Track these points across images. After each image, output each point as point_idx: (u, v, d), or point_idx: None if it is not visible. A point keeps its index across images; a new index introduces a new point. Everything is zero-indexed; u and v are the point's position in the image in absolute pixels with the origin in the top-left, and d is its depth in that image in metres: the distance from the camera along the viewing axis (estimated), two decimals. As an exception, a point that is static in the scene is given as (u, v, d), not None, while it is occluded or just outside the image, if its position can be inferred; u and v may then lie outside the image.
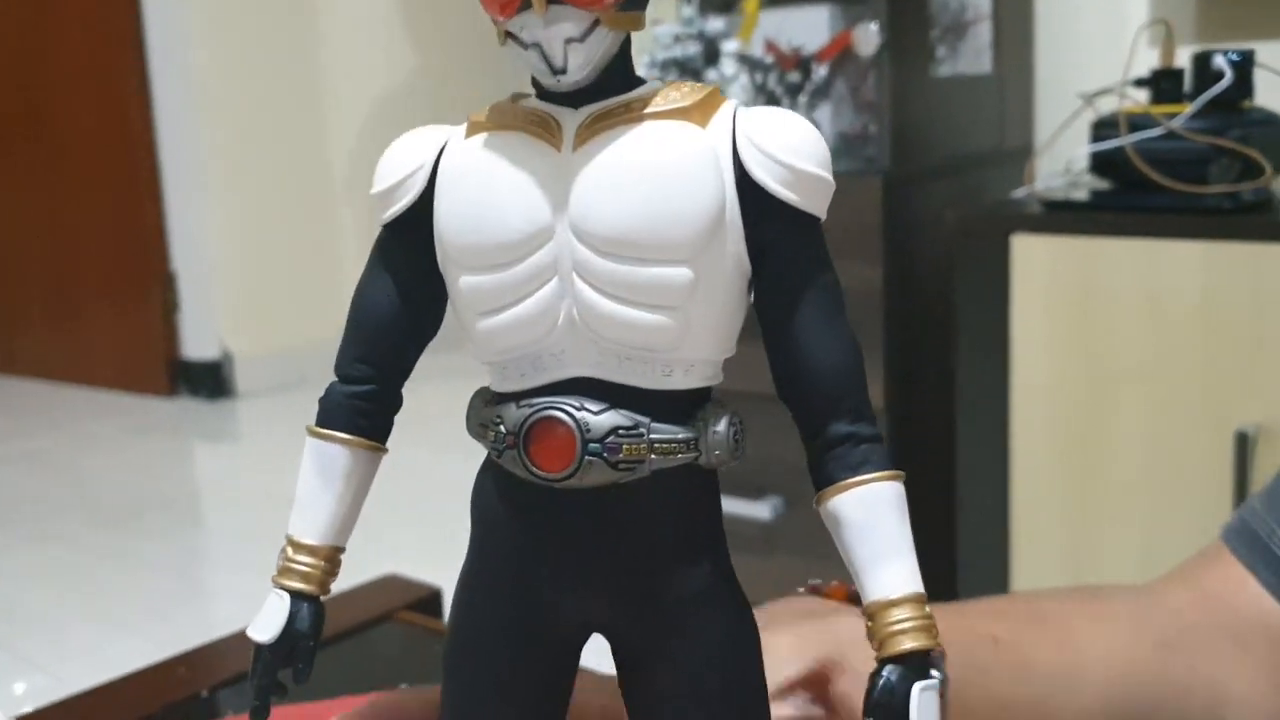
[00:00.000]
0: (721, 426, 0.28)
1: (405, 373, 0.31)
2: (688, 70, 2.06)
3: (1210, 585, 0.63)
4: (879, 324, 1.81)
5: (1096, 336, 1.62)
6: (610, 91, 0.28)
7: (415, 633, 0.77)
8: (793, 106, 1.95)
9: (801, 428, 0.29)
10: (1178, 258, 1.55)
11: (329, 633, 0.76)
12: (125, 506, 2.98)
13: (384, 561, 0.92)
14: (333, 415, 0.30)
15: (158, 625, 2.33)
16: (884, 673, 0.27)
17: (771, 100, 1.96)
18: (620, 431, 0.27)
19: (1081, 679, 0.58)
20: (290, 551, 0.31)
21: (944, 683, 0.27)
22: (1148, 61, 1.74)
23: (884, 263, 1.79)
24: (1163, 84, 1.66)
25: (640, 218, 0.26)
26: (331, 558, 0.31)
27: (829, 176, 0.28)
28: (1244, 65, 1.62)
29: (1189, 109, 1.58)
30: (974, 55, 2.03)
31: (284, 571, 0.31)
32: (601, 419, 0.27)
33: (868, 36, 1.78)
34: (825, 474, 0.29)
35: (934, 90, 1.94)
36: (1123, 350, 1.61)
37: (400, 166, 0.29)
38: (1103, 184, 1.68)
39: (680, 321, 0.27)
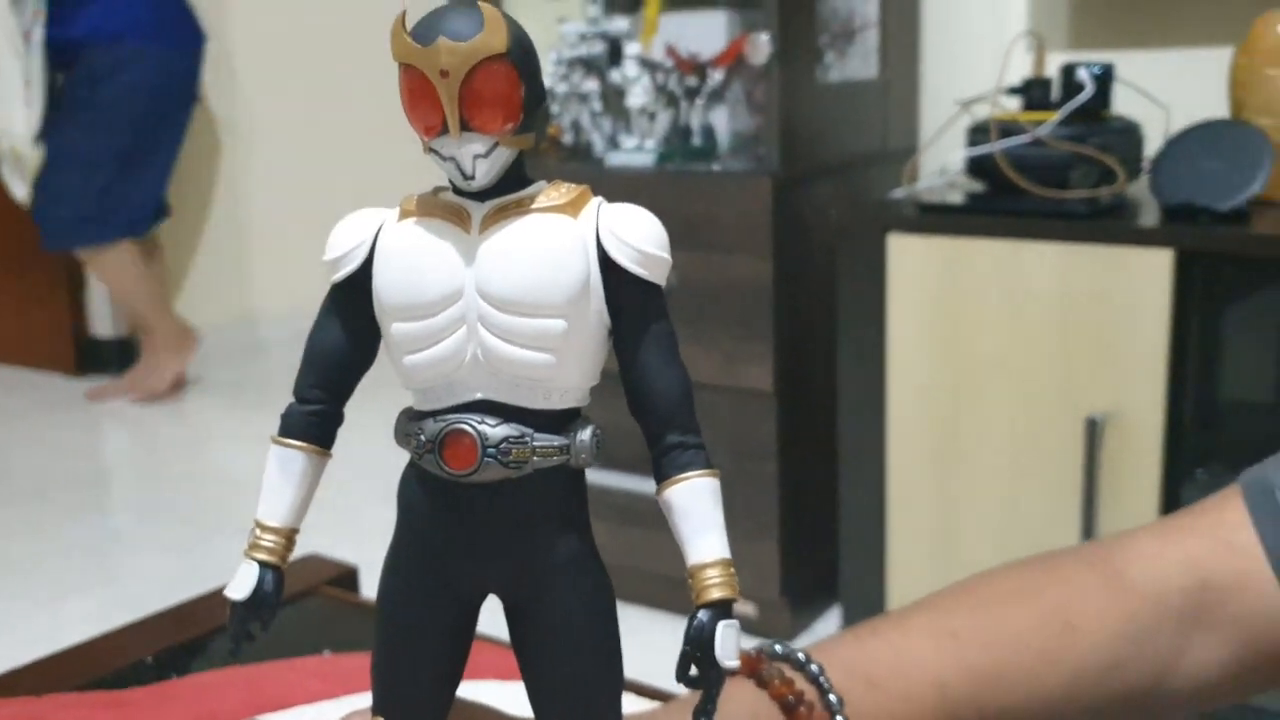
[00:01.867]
0: (586, 436, 0.38)
1: (348, 395, 0.40)
2: (593, 69, 2.13)
3: (1197, 549, 0.62)
4: (769, 315, 1.90)
5: (964, 330, 1.73)
6: (507, 190, 0.37)
7: (336, 605, 0.85)
8: (690, 108, 2.04)
9: (646, 437, 0.38)
10: (1038, 258, 1.67)
11: None
12: (32, 484, 2.99)
13: (305, 543, 1.00)
14: (291, 427, 0.40)
15: (64, 603, 2.36)
16: (699, 615, 0.36)
17: (672, 101, 2.04)
18: (510, 440, 0.37)
19: (1057, 656, 0.59)
20: (258, 531, 0.39)
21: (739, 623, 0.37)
22: (1024, 70, 1.86)
23: (774, 257, 1.89)
24: (1033, 92, 1.78)
25: (529, 284, 0.36)
26: (290, 537, 0.40)
27: (667, 256, 0.37)
28: (1104, 78, 1.74)
29: (1055, 118, 1.70)
30: (861, 61, 2.12)
31: (253, 547, 0.39)
32: (496, 430, 0.37)
33: (759, 46, 1.87)
34: (661, 472, 0.38)
35: (822, 94, 2.03)
36: (987, 343, 1.72)
37: (346, 242, 0.38)
38: (976, 186, 1.80)
39: (557, 359, 0.36)
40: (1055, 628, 0.59)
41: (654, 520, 2.00)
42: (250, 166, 4.01)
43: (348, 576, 0.91)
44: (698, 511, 0.37)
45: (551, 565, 0.38)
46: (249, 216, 4.04)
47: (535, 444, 0.37)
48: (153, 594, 2.19)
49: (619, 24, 2.15)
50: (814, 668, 0.53)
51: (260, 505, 0.40)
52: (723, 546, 0.37)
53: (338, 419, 0.40)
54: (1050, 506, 1.69)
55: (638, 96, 2.03)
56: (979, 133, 1.74)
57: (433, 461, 0.37)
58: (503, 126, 0.36)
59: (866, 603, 1.88)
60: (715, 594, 0.36)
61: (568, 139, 2.23)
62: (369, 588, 0.89)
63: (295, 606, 0.84)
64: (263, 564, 0.39)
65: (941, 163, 1.97)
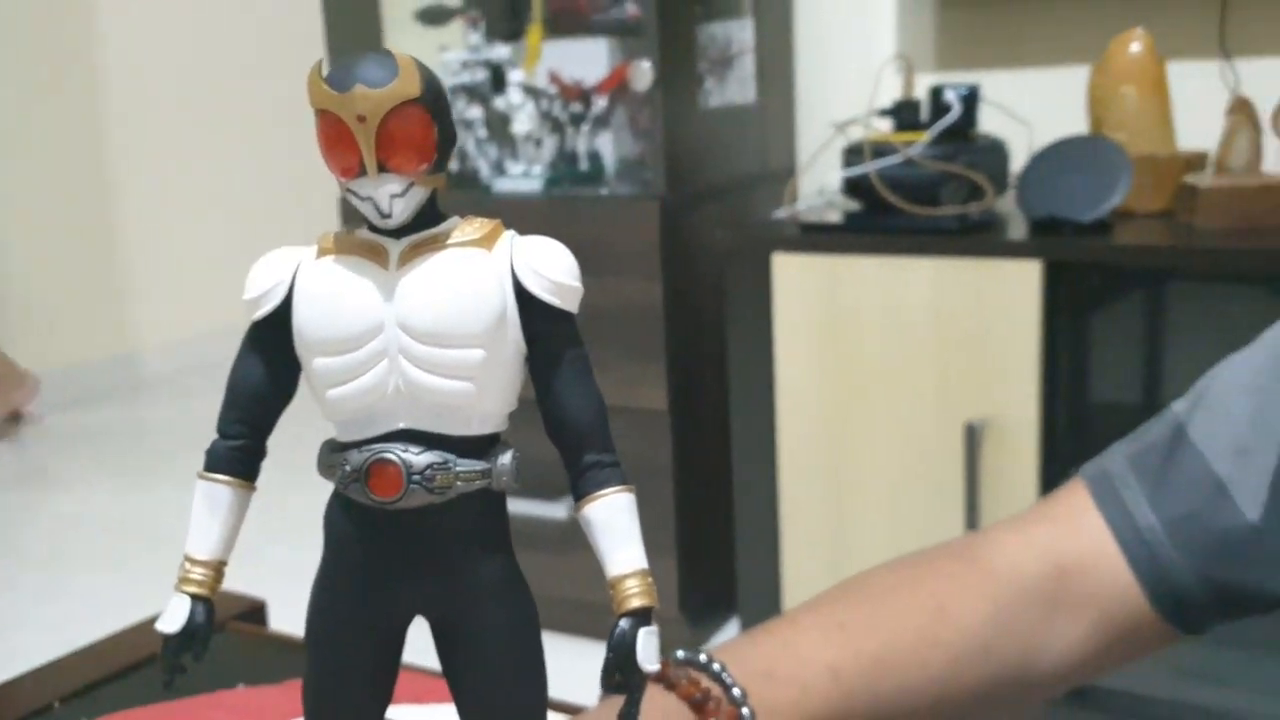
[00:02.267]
0: (506, 460, 0.39)
1: (270, 430, 0.41)
2: (476, 96, 2.15)
3: (1051, 536, 0.67)
4: (660, 335, 1.94)
5: (847, 343, 1.79)
6: (422, 226, 0.39)
7: (246, 640, 0.85)
8: (575, 134, 2.07)
9: (564, 458, 0.40)
10: (914, 273, 1.73)
11: None
12: None
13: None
14: (217, 462, 0.40)
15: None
16: (620, 623, 0.38)
17: (557, 127, 2.07)
18: (434, 466, 0.38)
19: (930, 648, 0.63)
20: (188, 565, 0.40)
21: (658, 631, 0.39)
22: (894, 92, 1.93)
23: (663, 279, 1.93)
24: (903, 114, 1.85)
25: (448, 316, 0.37)
26: (219, 569, 0.41)
27: (579, 285, 0.39)
28: (970, 99, 1.82)
29: (925, 138, 1.77)
30: (739, 86, 2.17)
31: (184, 580, 0.40)
32: (420, 458, 0.38)
33: (641, 73, 1.91)
34: (580, 490, 0.39)
35: (704, 119, 2.08)
36: (869, 355, 1.78)
37: (264, 281, 0.39)
38: (853, 206, 1.86)
39: (477, 387, 0.38)
40: (931, 614, 0.63)
41: (556, 545, 2.02)
42: (125, 204, 3.93)
43: (256, 611, 0.90)
44: (616, 526, 0.39)
45: (477, 586, 0.39)
46: (126, 255, 3.95)
47: (458, 469, 0.38)
48: (52, 646, 2.13)
49: (500, 51, 2.17)
50: (716, 666, 0.56)
51: (188, 540, 0.40)
52: (640, 558, 0.39)
53: (261, 453, 0.41)
54: (935, 511, 1.75)
55: (523, 123, 2.06)
56: (854, 154, 1.80)
57: (359, 490, 0.38)
58: (417, 167, 0.37)
59: (764, 614, 1.93)
60: (635, 603, 0.38)
61: (453, 166, 2.25)
62: (277, 621, 0.90)
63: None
64: (194, 596, 0.40)
65: (819, 183, 2.03)
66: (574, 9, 2.13)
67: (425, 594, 0.40)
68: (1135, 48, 1.80)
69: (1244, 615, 0.65)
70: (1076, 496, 0.67)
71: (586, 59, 2.06)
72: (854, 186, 1.81)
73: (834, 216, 1.88)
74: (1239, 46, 1.99)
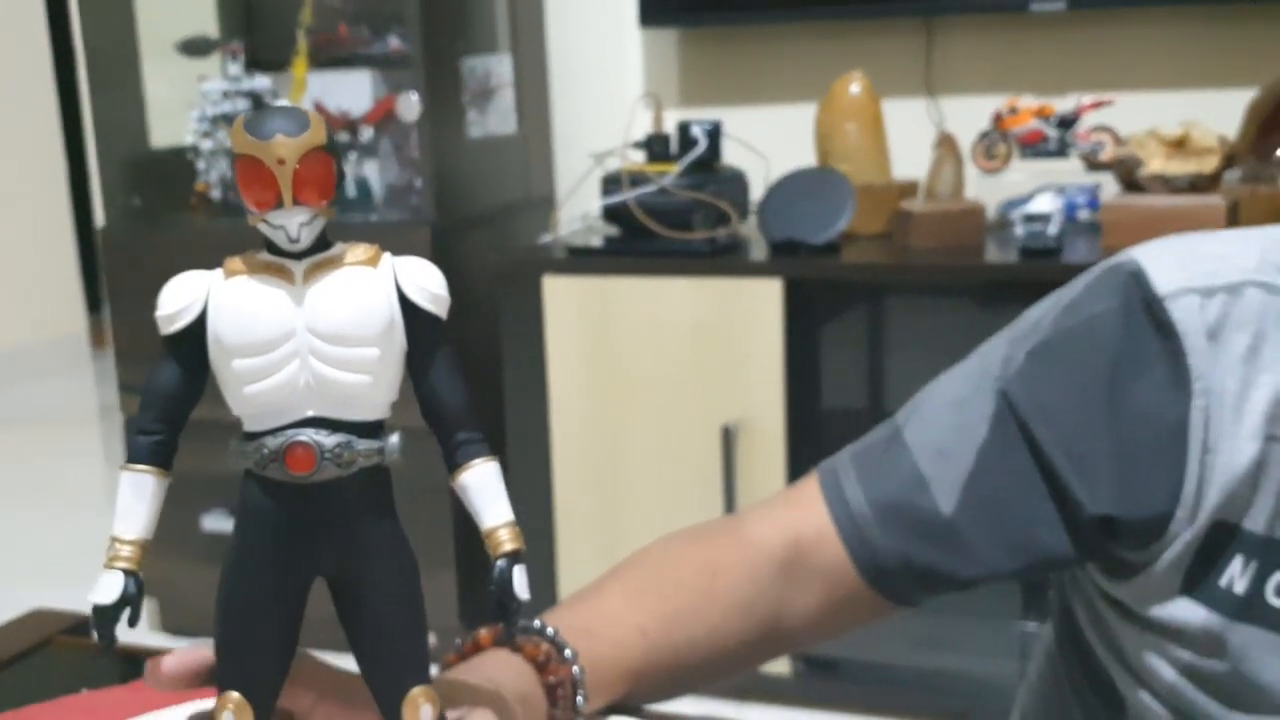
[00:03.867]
0: (396, 440, 0.48)
1: (183, 427, 0.48)
2: (240, 126, 2.16)
3: (790, 517, 0.75)
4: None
5: (614, 356, 1.93)
6: (318, 250, 0.47)
7: (76, 652, 0.87)
8: (343, 163, 2.13)
9: (439, 437, 0.48)
10: (671, 291, 1.89)
11: (2, 659, 0.83)
12: None
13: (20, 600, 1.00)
14: (139, 455, 0.47)
15: None
16: (499, 563, 0.48)
17: (324, 156, 2.11)
18: (340, 445, 0.46)
19: (707, 607, 0.71)
20: (117, 545, 0.46)
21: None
22: (645, 126, 2.08)
23: (436, 302, 2.00)
24: (654, 147, 2.00)
25: (350, 322, 0.46)
26: (145, 547, 0.47)
27: (448, 296, 0.48)
28: (714, 134, 1.98)
29: (676, 169, 1.93)
30: (500, 117, 2.27)
31: (114, 559, 0.46)
32: (328, 440, 0.46)
33: (410, 105, 1.99)
34: (454, 461, 0.48)
35: (469, 149, 2.17)
36: (634, 367, 1.92)
37: (180, 300, 0.46)
38: (612, 231, 2.00)
39: (373, 380, 0.46)
40: (708, 577, 0.73)
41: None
42: None
43: (81, 625, 0.90)
44: (487, 489, 0.48)
45: (371, 545, 0.48)
46: None
47: (359, 448, 0.46)
48: None
49: (261, 82, 2.20)
50: (550, 631, 0.65)
51: (116, 524, 0.46)
52: (508, 512, 0.48)
53: (175, 446, 0.48)
54: (698, 503, 1.90)
55: (291, 153, 2.09)
56: (612, 183, 1.94)
57: (277, 469, 0.46)
58: (321, 201, 0.45)
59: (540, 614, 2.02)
60: (508, 546, 0.48)
61: (215, 194, 2.26)
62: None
63: (36, 657, 0.86)
64: (125, 571, 0.46)
65: (581, 210, 2.16)
66: (337, 41, 2.20)
67: (329, 554, 0.47)
68: (855, 88, 2.02)
69: (942, 592, 0.73)
70: (810, 486, 0.75)
71: (350, 90, 2.12)
72: (613, 213, 1.94)
73: (596, 241, 2.01)
74: (942, 86, 2.25)
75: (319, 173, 0.45)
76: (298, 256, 0.46)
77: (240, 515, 0.47)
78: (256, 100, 2.19)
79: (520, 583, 0.48)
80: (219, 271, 0.46)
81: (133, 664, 0.90)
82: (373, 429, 0.47)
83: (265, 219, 0.45)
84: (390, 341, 0.46)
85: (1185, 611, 0.64)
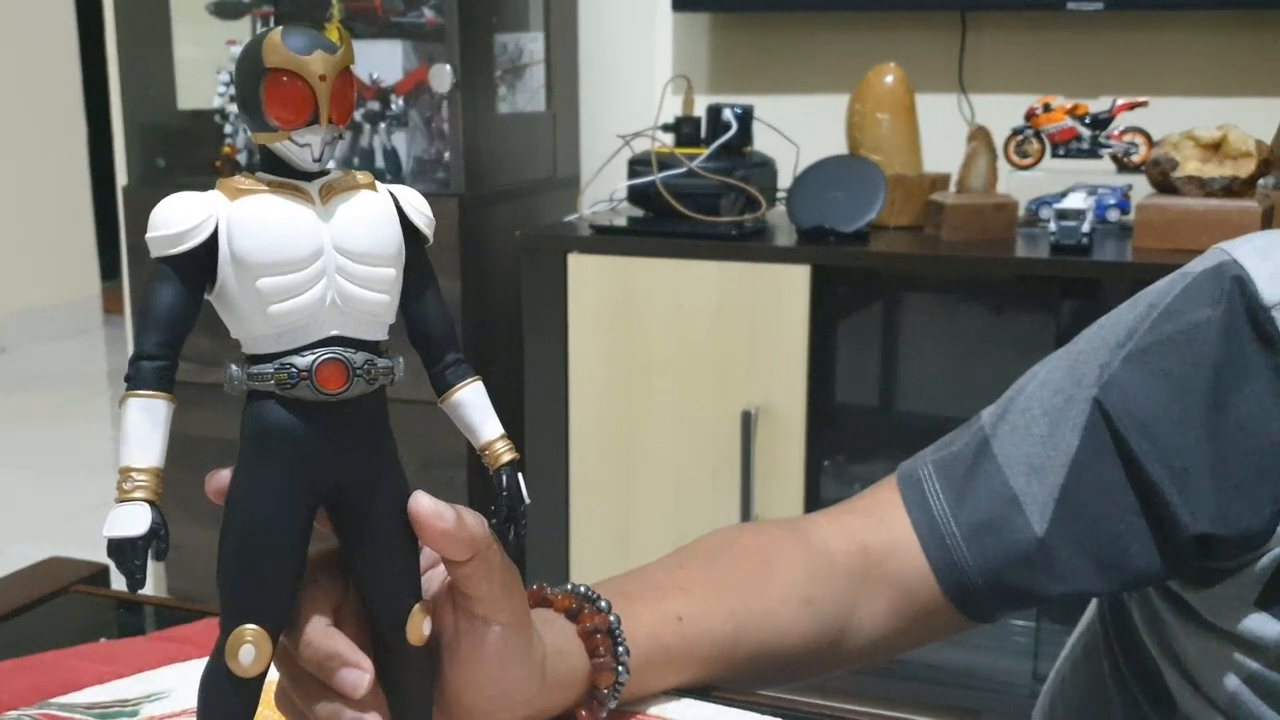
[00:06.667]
0: (400, 361, 0.48)
1: (180, 350, 0.46)
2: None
3: (863, 525, 0.72)
4: (458, 329, 2.00)
5: (635, 337, 1.92)
6: (323, 175, 0.46)
7: (94, 602, 0.87)
8: (374, 133, 2.12)
9: (425, 359, 0.49)
10: (696, 274, 1.88)
11: (21, 604, 0.82)
12: None
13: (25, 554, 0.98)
14: (148, 381, 0.45)
15: None
16: (502, 472, 0.50)
17: (353, 124, 2.11)
18: (366, 363, 0.46)
19: (764, 613, 0.67)
20: (135, 476, 0.44)
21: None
22: (675, 109, 2.08)
23: (461, 275, 2.00)
24: (684, 129, 1.99)
25: (375, 241, 0.46)
26: (160, 476, 0.45)
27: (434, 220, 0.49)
28: (745, 118, 1.98)
29: (705, 152, 1.92)
30: (530, 95, 2.27)
31: (133, 490, 0.44)
32: (356, 357, 0.46)
33: (443, 75, 1.98)
34: (444, 383, 0.49)
35: (500, 124, 2.17)
36: (655, 348, 1.92)
37: (187, 219, 0.44)
38: (638, 212, 1.99)
39: (391, 299, 0.47)
40: (759, 565, 0.70)
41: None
42: None
43: (100, 574, 0.91)
44: (479, 405, 0.49)
45: (386, 459, 0.49)
46: None
47: (379, 365, 0.47)
48: None
49: (295, 47, 2.19)
50: (582, 588, 0.63)
51: (128, 455, 0.44)
52: (500, 427, 0.50)
53: (176, 369, 0.46)
54: (715, 487, 1.90)
55: (319, 120, 2.08)
56: (640, 164, 1.94)
57: (307, 388, 0.45)
58: (346, 120, 0.45)
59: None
60: (506, 457, 0.49)
61: (241, 158, 2.25)
62: (120, 583, 0.92)
63: (52, 605, 0.85)
64: (147, 502, 0.44)
65: (608, 190, 2.16)
66: (370, 11, 2.19)
67: (343, 473, 0.47)
68: (889, 79, 2.01)
69: (1024, 609, 0.71)
70: (887, 493, 0.73)
71: (382, 60, 2.12)
72: (640, 194, 1.94)
73: (622, 221, 2.01)
74: (975, 82, 2.25)
75: (348, 92, 0.45)
76: (308, 178, 0.45)
77: (255, 440, 0.46)
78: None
79: (523, 487, 0.50)
80: (215, 193, 0.45)
81: (151, 615, 0.91)
82: (378, 350, 0.47)
83: (291, 136, 0.44)
84: (400, 263, 0.47)
85: (1260, 625, 0.63)
